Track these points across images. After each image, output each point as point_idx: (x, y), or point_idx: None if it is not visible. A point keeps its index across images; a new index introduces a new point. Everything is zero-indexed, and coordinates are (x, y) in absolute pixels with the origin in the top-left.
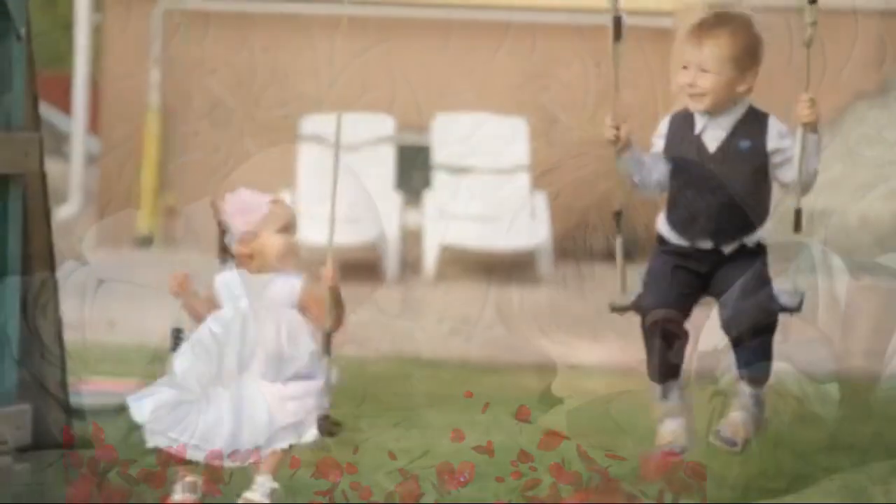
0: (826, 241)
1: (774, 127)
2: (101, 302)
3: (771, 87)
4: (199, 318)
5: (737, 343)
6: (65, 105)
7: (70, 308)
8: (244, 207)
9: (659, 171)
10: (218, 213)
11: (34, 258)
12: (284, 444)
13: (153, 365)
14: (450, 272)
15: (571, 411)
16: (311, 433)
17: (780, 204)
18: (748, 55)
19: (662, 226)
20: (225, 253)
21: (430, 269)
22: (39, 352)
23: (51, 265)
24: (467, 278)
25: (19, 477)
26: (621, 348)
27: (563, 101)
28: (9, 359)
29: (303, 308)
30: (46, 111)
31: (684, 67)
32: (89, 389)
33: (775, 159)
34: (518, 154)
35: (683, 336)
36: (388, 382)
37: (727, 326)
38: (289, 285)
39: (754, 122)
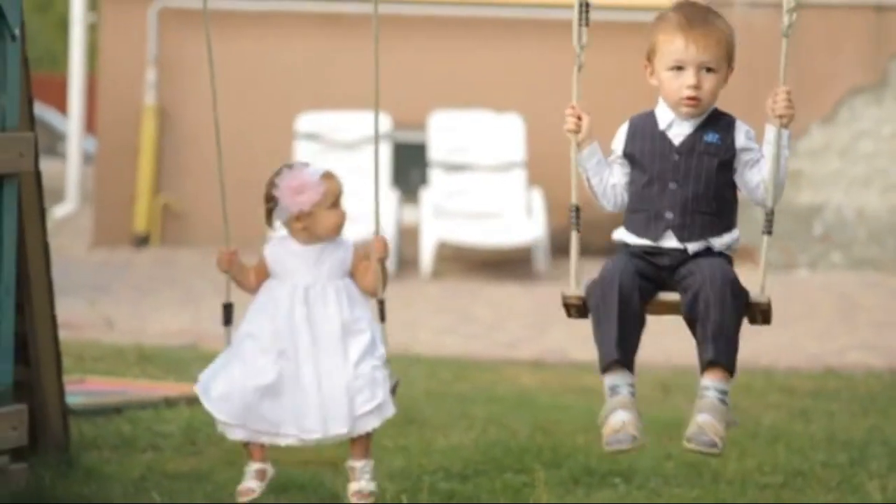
0: (823, 236)
1: (742, 128)
2: (98, 301)
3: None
4: (251, 289)
5: (702, 318)
6: (61, 105)
7: (67, 307)
8: (300, 187)
9: (616, 176)
10: (272, 187)
11: (29, 258)
12: (369, 429)
13: (146, 364)
14: (446, 269)
15: (568, 407)
16: (390, 410)
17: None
18: (734, 48)
19: (621, 234)
20: (269, 220)
21: (426, 266)
22: (35, 352)
23: (46, 265)
24: (464, 275)
25: (17, 476)
26: None
27: (560, 97)
28: (5, 359)
29: (353, 274)
30: (43, 111)
31: (677, 68)
32: (86, 389)
33: (743, 158)
34: (514, 150)
35: (641, 316)
36: None
37: (691, 305)
38: (340, 253)
39: (720, 121)
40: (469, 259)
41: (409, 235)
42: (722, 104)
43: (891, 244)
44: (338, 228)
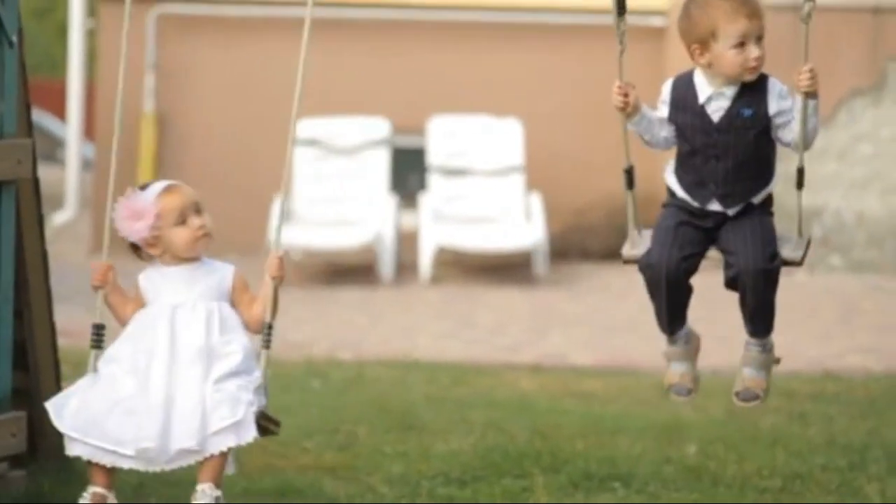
0: (822, 239)
1: (775, 88)
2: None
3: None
4: (121, 317)
5: (741, 297)
6: (60, 111)
7: (66, 314)
8: (133, 215)
9: (667, 130)
10: (113, 221)
11: (28, 264)
12: (223, 448)
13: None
14: (445, 274)
15: (567, 411)
16: (251, 434)
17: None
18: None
19: (671, 178)
20: (137, 252)
21: (425, 271)
22: (34, 359)
23: (44, 271)
24: (463, 280)
25: (15, 483)
26: (617, 348)
27: (559, 102)
28: (3, 366)
29: (235, 300)
30: (41, 117)
31: (741, 45)
32: None
33: (777, 121)
34: (513, 155)
35: (687, 290)
36: (385, 385)
37: (731, 281)
38: (218, 276)
39: (755, 86)
40: (468, 264)
41: (408, 240)
42: None
43: (890, 247)
44: (192, 242)
